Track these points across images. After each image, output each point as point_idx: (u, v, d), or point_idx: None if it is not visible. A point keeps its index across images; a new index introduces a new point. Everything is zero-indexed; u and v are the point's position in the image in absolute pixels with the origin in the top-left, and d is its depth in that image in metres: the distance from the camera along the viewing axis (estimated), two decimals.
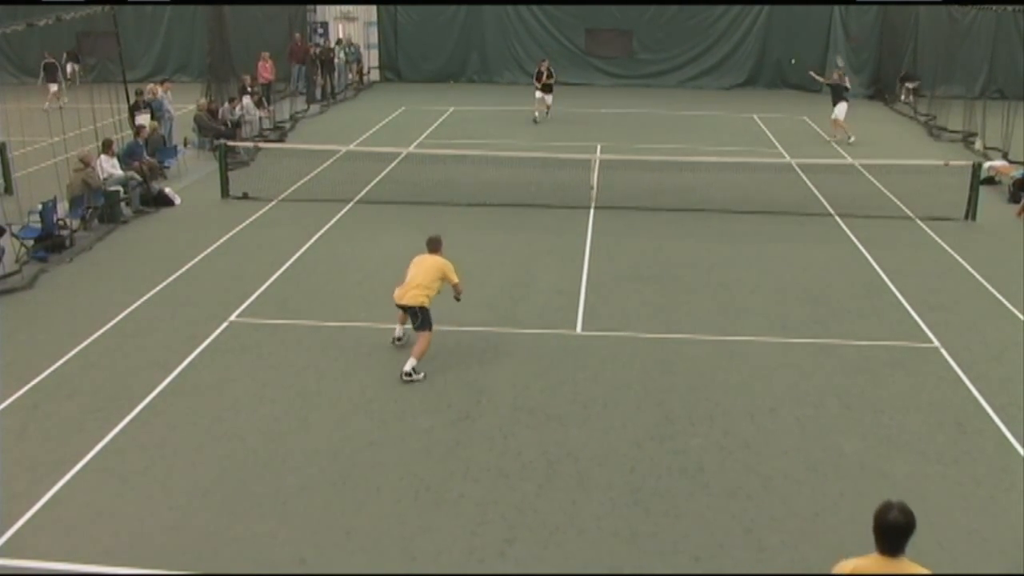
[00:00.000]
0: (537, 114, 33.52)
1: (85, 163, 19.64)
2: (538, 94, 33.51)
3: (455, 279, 13.31)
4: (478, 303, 15.52)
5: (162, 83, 29.88)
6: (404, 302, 13.04)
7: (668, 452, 10.98)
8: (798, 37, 42.69)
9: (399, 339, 13.89)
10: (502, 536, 9.34)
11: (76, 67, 39.42)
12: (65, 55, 39.00)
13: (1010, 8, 31.87)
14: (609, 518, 9.67)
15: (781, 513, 9.75)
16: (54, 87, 35.23)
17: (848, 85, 30.81)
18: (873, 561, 6.17)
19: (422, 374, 12.76)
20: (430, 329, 12.92)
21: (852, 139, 29.85)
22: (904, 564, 6.17)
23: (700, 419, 11.75)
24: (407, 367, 12.74)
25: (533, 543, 9.25)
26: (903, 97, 38.07)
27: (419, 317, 12.93)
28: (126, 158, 21.92)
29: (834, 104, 30.48)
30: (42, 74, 36.89)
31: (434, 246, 13.57)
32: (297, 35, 37.02)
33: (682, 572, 8.84)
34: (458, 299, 13.61)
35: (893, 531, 6.12)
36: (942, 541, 9.31)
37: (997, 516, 9.80)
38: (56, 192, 19.20)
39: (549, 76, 33.46)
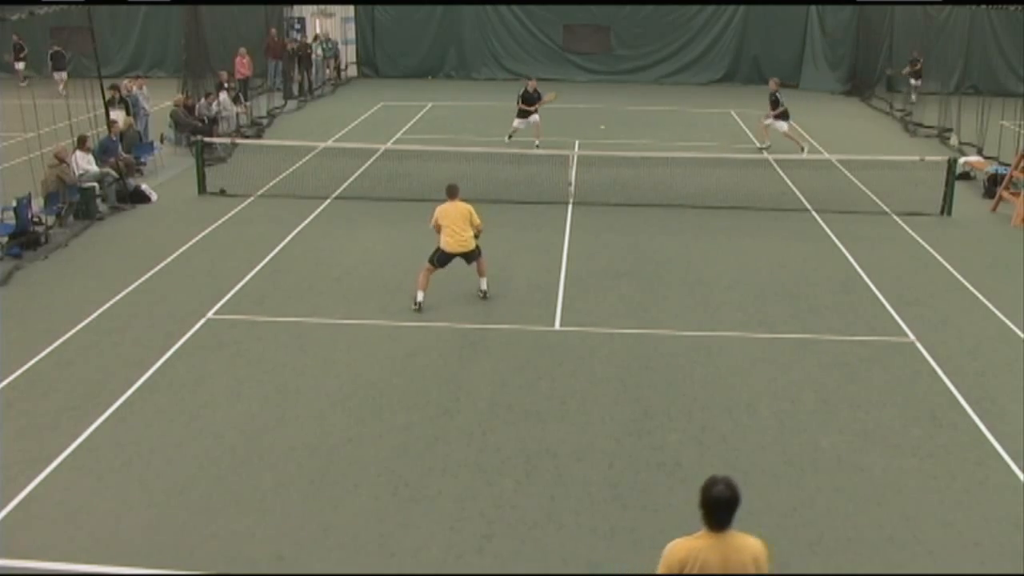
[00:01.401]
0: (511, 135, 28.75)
1: (60, 159, 19.53)
2: (518, 122, 28.43)
3: (478, 220, 15.27)
4: (456, 299, 15.53)
5: (136, 79, 29.69)
6: (465, 249, 15.19)
7: (646, 447, 11.00)
8: (775, 33, 42.88)
9: (420, 304, 15.06)
10: (480, 532, 9.35)
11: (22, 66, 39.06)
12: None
13: (987, 7, 32.36)
14: (587, 513, 9.69)
15: (759, 507, 9.78)
16: (61, 75, 35.18)
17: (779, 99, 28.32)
18: (704, 538, 6.24)
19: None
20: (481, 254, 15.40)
21: (769, 145, 28.07)
22: (733, 536, 6.26)
23: (678, 414, 11.78)
24: (484, 286, 15.56)
25: (512, 539, 9.25)
26: (912, 98, 35.81)
27: (476, 252, 15.32)
28: (100, 154, 21.79)
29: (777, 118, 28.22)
30: (49, 63, 36.76)
31: (455, 192, 15.28)
32: (273, 30, 36.85)
33: None
34: (477, 237, 15.31)
35: (719, 505, 6.18)
36: (917, 534, 9.37)
37: (972, 509, 9.87)
38: (31, 188, 19.09)
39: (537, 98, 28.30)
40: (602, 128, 31.84)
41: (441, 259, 15.22)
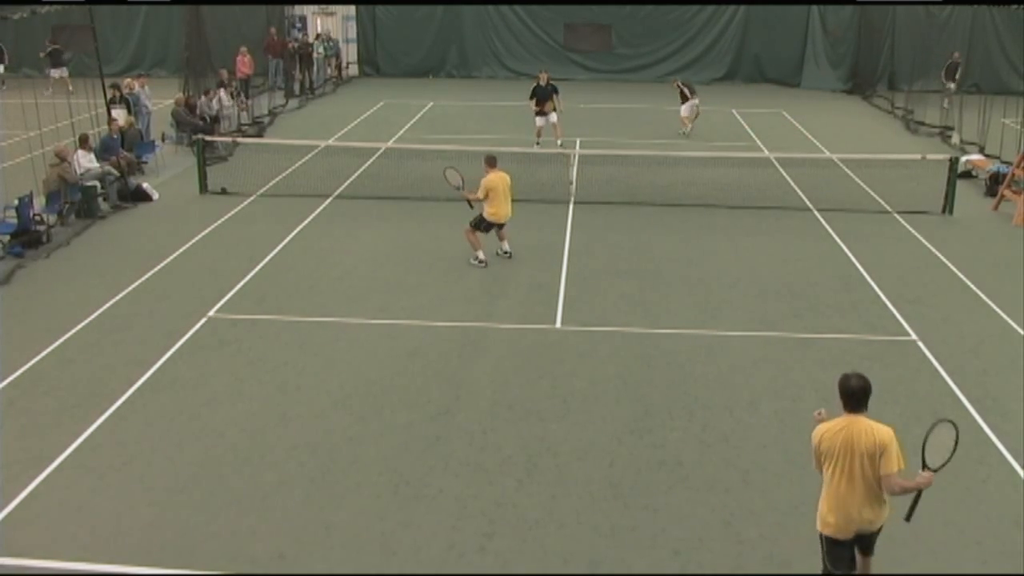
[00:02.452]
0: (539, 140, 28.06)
1: (61, 158, 19.52)
2: (539, 120, 27.80)
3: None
4: (457, 298, 15.55)
5: (138, 78, 29.68)
6: (509, 217, 17.17)
7: (647, 446, 11.00)
8: (776, 31, 42.87)
9: (485, 260, 17.13)
10: (482, 531, 9.35)
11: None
12: None
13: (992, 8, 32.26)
14: (588, 512, 9.69)
15: (760, 506, 9.79)
16: (60, 72, 35.17)
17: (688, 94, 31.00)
18: (843, 420, 7.65)
19: None
20: None
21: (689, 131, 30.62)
22: (863, 421, 7.62)
23: (679, 413, 11.78)
24: (507, 247, 17.44)
25: (513, 537, 9.26)
26: (944, 103, 32.49)
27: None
28: (101, 153, 21.78)
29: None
30: (48, 61, 36.65)
31: (494, 162, 17.05)
32: (272, 29, 36.82)
33: (661, 565, 8.87)
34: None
35: (855, 394, 7.64)
36: (919, 533, 9.35)
37: (973, 508, 9.87)
38: (32, 187, 19.09)
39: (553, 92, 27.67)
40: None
41: (488, 227, 17.07)
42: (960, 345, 14.04)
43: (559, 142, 27.44)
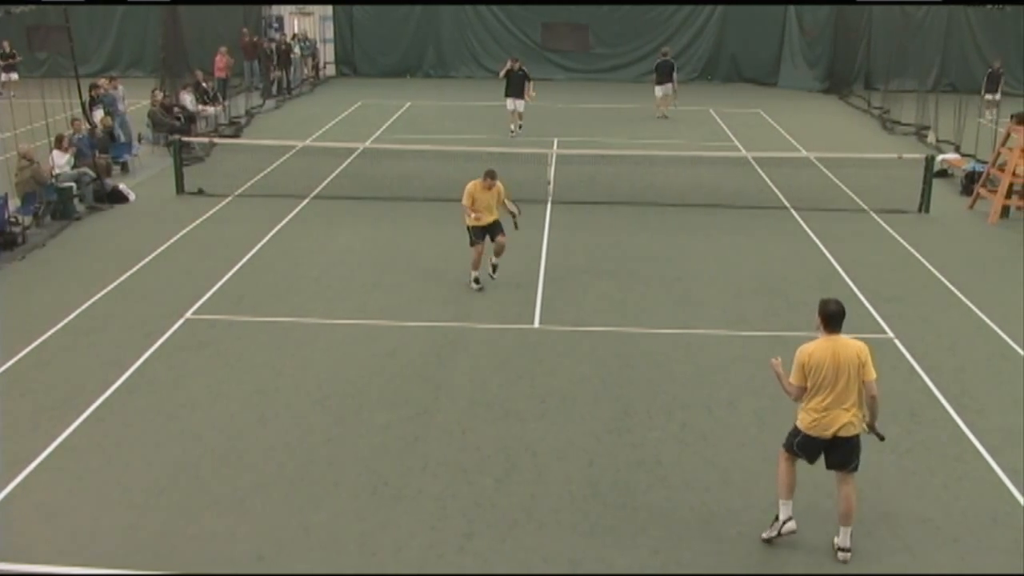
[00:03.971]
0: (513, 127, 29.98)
1: (29, 159, 19.41)
2: (509, 103, 29.68)
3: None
4: (435, 298, 15.53)
5: (111, 80, 29.42)
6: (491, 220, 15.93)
7: (626, 445, 11.02)
8: (753, 31, 43.03)
9: (492, 267, 16.26)
10: (461, 531, 9.34)
11: None
12: None
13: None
14: (567, 511, 9.69)
15: (739, 505, 9.81)
16: (11, 76, 34.95)
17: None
18: (826, 339, 8.81)
19: None
20: None
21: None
22: (842, 339, 8.83)
23: (658, 412, 11.80)
24: (496, 261, 16.08)
25: (492, 537, 9.25)
26: (985, 116, 29.82)
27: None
28: (79, 154, 21.63)
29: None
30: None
31: (487, 175, 15.70)
32: (245, 30, 36.65)
33: (641, 565, 8.87)
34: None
35: (835, 316, 8.83)
36: (896, 530, 9.41)
37: (950, 505, 9.92)
38: (7, 189, 18.96)
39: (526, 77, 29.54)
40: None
41: (476, 235, 16.07)
42: (937, 343, 14.12)
43: (520, 126, 29.72)
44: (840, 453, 8.82)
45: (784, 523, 9.02)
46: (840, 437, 8.72)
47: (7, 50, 35.39)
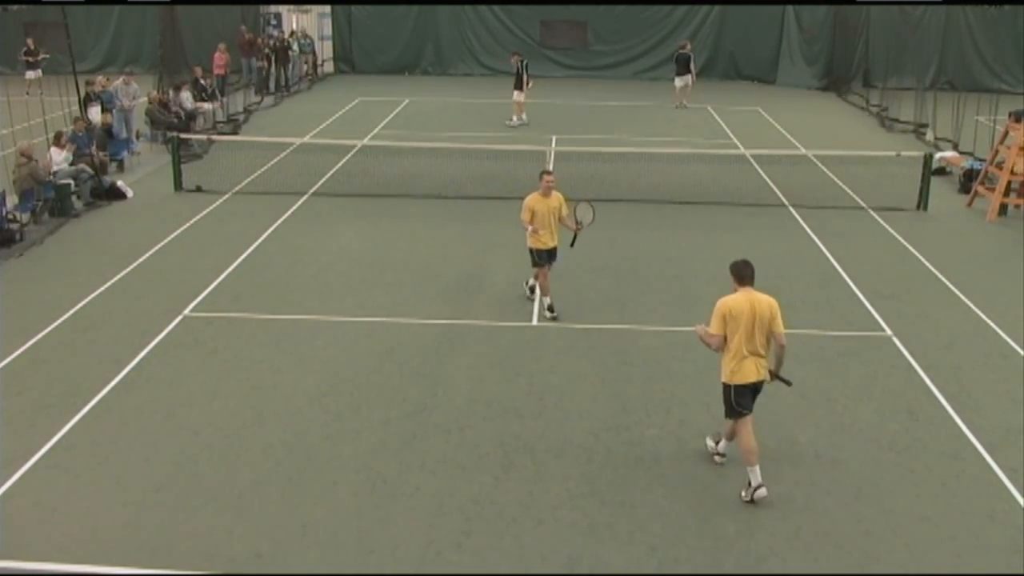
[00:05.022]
0: (515, 118, 31.48)
1: (27, 157, 19.39)
2: (516, 94, 31.12)
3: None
4: (433, 295, 15.53)
5: (107, 78, 29.34)
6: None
7: (624, 443, 11.01)
8: (751, 29, 43.02)
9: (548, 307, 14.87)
10: (459, 528, 9.34)
11: None
12: None
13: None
14: (566, 509, 9.69)
15: (737, 502, 9.81)
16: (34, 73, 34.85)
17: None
18: (742, 293, 9.73)
19: None
20: None
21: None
22: (755, 292, 9.75)
23: (656, 409, 11.79)
24: (547, 300, 14.75)
25: (490, 535, 9.25)
26: None
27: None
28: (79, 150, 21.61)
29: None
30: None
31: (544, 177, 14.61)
32: (243, 27, 36.61)
33: (639, 562, 8.87)
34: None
35: (747, 272, 9.80)
36: (894, 527, 9.42)
37: (948, 502, 9.92)
38: (5, 186, 18.94)
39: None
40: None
41: (538, 258, 14.77)
42: (935, 341, 14.12)
43: (514, 120, 31.11)
44: (752, 397, 9.92)
45: (756, 489, 9.74)
46: (759, 382, 9.84)
47: (31, 47, 35.32)
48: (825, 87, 41.57)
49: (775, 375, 9.92)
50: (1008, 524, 9.54)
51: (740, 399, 9.83)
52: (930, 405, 12.08)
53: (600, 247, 18.15)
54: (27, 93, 31.68)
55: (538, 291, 15.01)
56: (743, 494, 9.80)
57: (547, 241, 14.49)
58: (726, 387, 9.89)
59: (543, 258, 14.60)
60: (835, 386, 12.53)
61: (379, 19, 44.12)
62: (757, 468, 9.77)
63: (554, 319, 14.51)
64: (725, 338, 9.71)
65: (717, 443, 10.61)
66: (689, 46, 36.92)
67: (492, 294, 15.72)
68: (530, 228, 14.33)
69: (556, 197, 14.51)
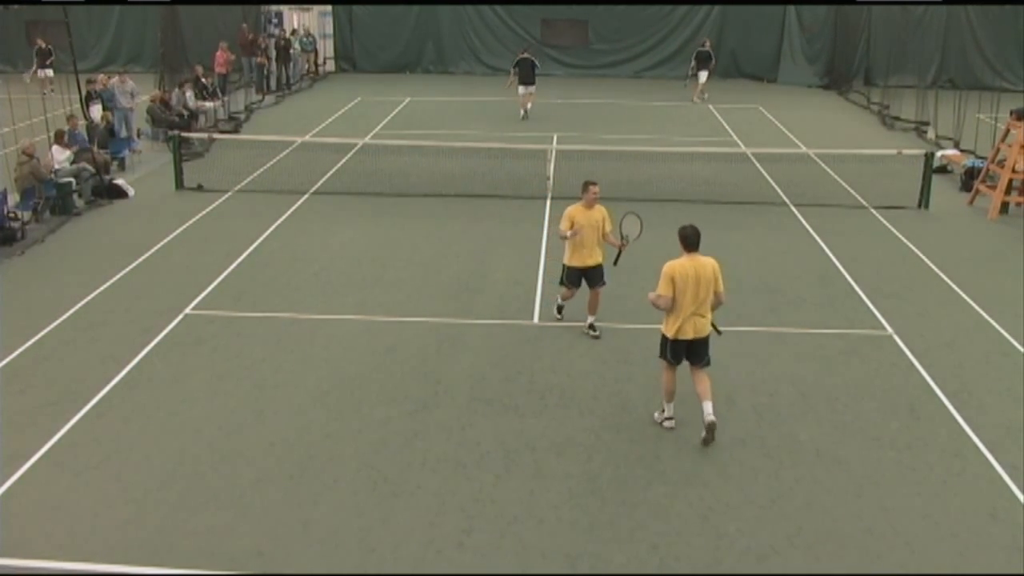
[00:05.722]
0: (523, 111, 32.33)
1: (29, 155, 19.40)
2: (522, 89, 31.99)
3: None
4: (434, 294, 15.53)
5: (108, 76, 29.38)
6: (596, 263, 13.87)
7: (625, 441, 11.02)
8: (752, 27, 42.99)
9: (591, 328, 14.09)
10: (460, 527, 9.34)
11: None
12: None
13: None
14: (567, 507, 9.69)
15: (738, 500, 9.82)
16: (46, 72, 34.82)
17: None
18: (687, 258, 10.82)
19: None
20: None
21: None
22: (700, 257, 10.85)
23: (656, 408, 11.78)
24: (594, 319, 13.98)
25: (491, 533, 9.25)
26: None
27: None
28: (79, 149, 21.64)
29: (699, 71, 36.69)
30: (35, 60, 36.17)
31: (587, 188, 13.84)
32: (244, 26, 36.61)
33: (639, 560, 8.87)
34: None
35: (692, 237, 10.90)
36: (896, 526, 9.42)
37: (949, 500, 9.92)
38: (6, 184, 18.95)
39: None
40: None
41: (572, 278, 13.96)
42: (936, 339, 14.12)
43: (529, 107, 32.00)
44: (700, 350, 10.97)
45: (665, 420, 11.27)
46: (700, 338, 10.88)
47: (44, 47, 35.31)
48: (826, 85, 41.55)
49: (714, 326, 11.10)
50: (1009, 522, 9.54)
51: (674, 352, 10.95)
52: (931, 403, 12.08)
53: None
54: (43, 93, 31.68)
55: (564, 301, 14.31)
56: (661, 421, 11.32)
57: (586, 259, 13.63)
58: (664, 338, 11.01)
59: (575, 279, 13.79)
60: (836, 384, 12.53)
61: (380, 18, 44.11)
62: (672, 405, 11.23)
63: (596, 338, 13.81)
64: (674, 299, 10.71)
65: (662, 411, 11.39)
66: (709, 43, 37.88)
67: (493, 292, 15.72)
68: (569, 233, 13.42)
69: (599, 210, 13.69)
